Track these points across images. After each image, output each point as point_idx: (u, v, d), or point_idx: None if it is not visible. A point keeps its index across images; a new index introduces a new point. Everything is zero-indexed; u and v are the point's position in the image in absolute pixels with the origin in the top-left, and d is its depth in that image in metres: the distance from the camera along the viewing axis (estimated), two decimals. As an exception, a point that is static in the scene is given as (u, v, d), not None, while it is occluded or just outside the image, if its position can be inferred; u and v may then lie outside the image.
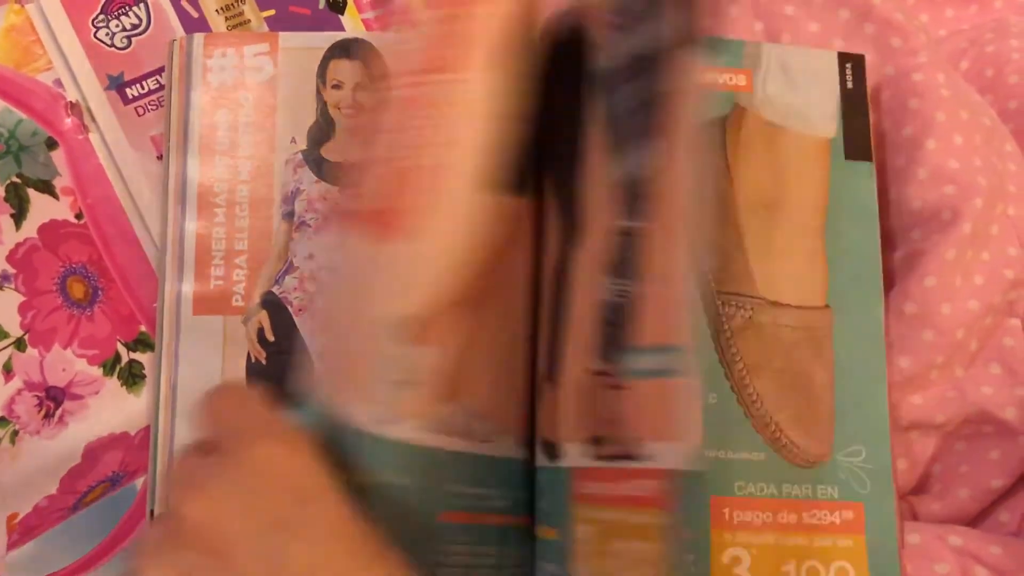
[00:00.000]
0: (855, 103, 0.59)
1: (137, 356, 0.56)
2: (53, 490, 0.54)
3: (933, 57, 0.60)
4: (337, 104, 0.57)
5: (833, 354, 0.55)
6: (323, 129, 0.57)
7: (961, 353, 0.57)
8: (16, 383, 0.54)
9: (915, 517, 0.57)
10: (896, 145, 0.59)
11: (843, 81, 0.59)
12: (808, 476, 0.53)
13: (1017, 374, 0.57)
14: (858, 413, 0.55)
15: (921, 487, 0.58)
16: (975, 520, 0.57)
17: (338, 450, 0.42)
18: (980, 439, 0.57)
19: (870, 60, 0.60)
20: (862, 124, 0.59)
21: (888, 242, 0.59)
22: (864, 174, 0.58)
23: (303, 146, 0.57)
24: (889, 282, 0.58)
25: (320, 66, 0.57)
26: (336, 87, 0.57)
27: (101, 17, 0.57)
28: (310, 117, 0.57)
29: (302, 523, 0.38)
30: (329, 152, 0.57)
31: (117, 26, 0.57)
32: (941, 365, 0.56)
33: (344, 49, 0.58)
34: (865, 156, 0.58)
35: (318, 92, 0.57)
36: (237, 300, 0.55)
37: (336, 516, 0.38)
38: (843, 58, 0.59)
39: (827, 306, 0.55)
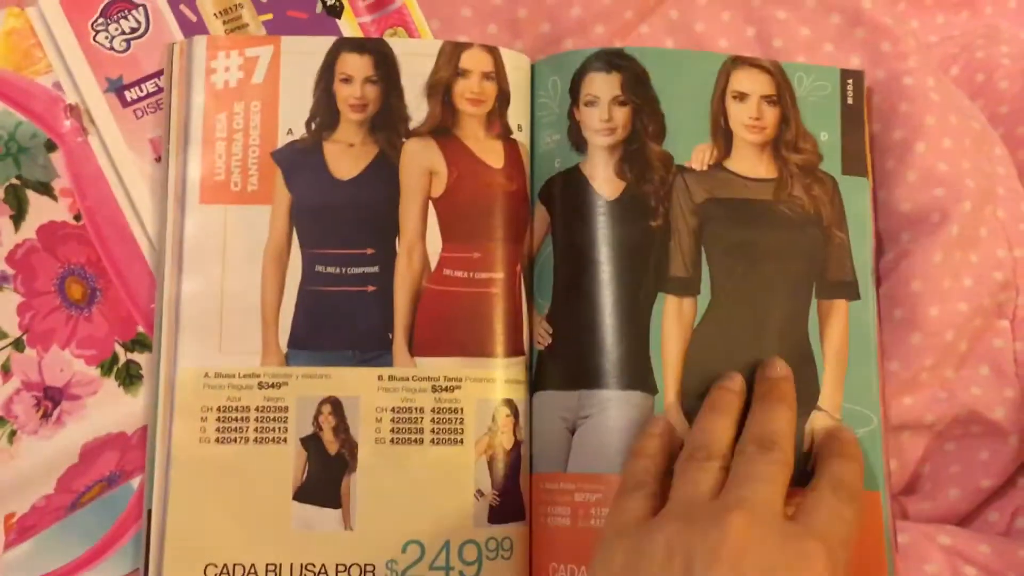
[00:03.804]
0: (854, 119, 0.59)
1: (135, 356, 0.56)
2: (50, 490, 0.54)
3: (923, 61, 0.61)
4: (345, 98, 0.58)
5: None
6: (326, 120, 0.58)
7: (951, 355, 0.57)
8: (14, 383, 0.55)
9: (905, 517, 0.57)
10: (886, 148, 0.60)
11: (844, 97, 0.59)
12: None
13: (1006, 375, 0.57)
14: (850, 416, 0.56)
15: (911, 487, 0.58)
16: (965, 520, 0.58)
17: None
18: (970, 439, 0.58)
19: (861, 64, 0.60)
20: (859, 140, 0.59)
21: (877, 245, 0.59)
22: (860, 189, 0.59)
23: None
24: (878, 284, 0.59)
25: (328, 58, 0.58)
26: (345, 80, 0.58)
27: (100, 21, 0.58)
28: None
29: None
30: (331, 143, 0.57)
31: (116, 29, 0.58)
32: (931, 367, 0.57)
33: (356, 44, 0.58)
34: (861, 171, 0.59)
35: (320, 83, 0.58)
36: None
37: None
38: (845, 75, 0.60)
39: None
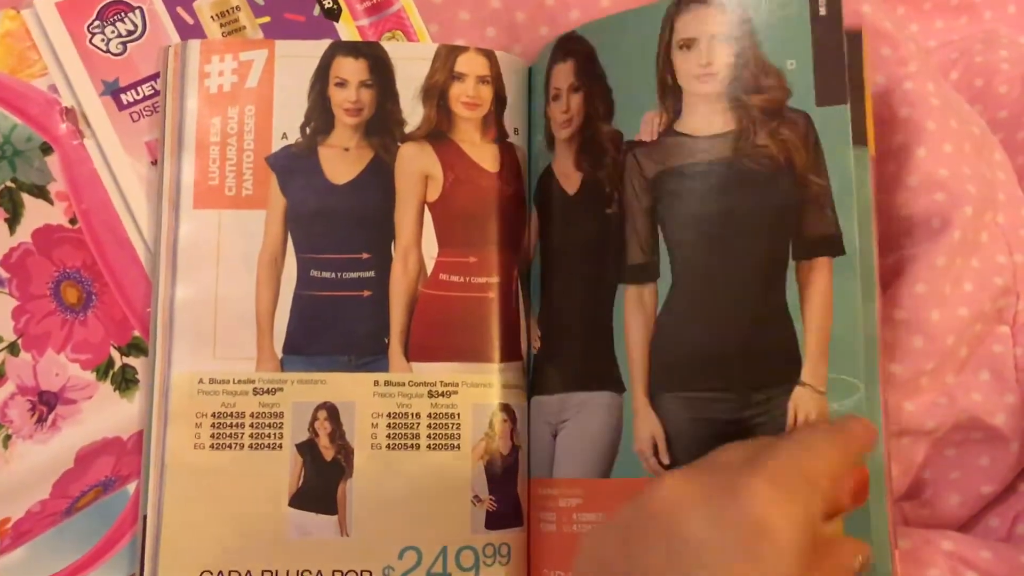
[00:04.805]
0: (829, 33, 0.51)
1: (130, 361, 0.56)
2: (45, 495, 0.54)
3: (923, 67, 0.60)
4: (340, 102, 0.57)
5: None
6: (321, 124, 0.57)
7: (951, 360, 0.57)
8: (9, 387, 0.54)
9: (906, 522, 0.57)
10: (887, 153, 0.59)
11: (814, 8, 0.51)
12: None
13: (1007, 381, 0.57)
14: (835, 386, 0.51)
15: (912, 493, 0.58)
16: (966, 526, 0.57)
17: None
18: (970, 445, 0.57)
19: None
20: (836, 59, 0.51)
21: (879, 248, 0.59)
22: (839, 119, 0.50)
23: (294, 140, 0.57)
24: (880, 288, 0.58)
25: (323, 62, 0.58)
26: (340, 84, 0.58)
27: (96, 23, 0.58)
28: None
29: None
30: (326, 147, 0.57)
31: (112, 32, 0.58)
32: (931, 371, 0.56)
33: (351, 48, 0.58)
34: (840, 99, 0.50)
35: (315, 88, 0.57)
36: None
37: None
38: None
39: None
